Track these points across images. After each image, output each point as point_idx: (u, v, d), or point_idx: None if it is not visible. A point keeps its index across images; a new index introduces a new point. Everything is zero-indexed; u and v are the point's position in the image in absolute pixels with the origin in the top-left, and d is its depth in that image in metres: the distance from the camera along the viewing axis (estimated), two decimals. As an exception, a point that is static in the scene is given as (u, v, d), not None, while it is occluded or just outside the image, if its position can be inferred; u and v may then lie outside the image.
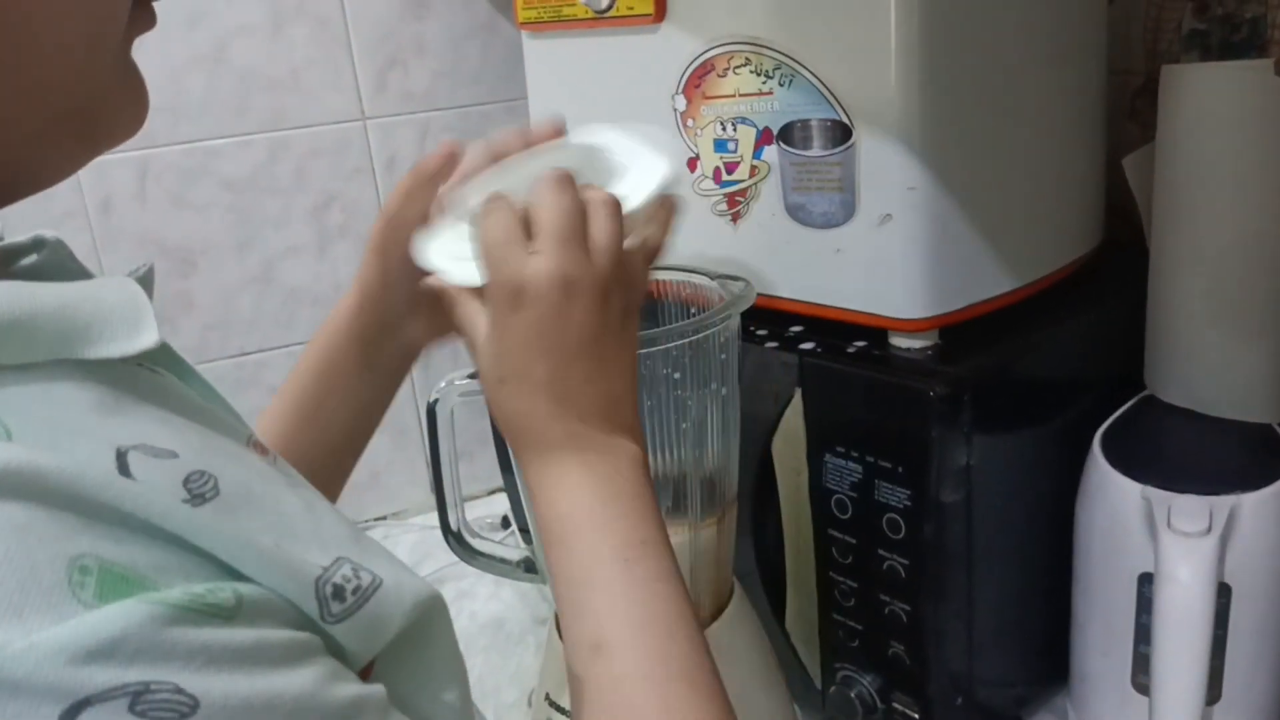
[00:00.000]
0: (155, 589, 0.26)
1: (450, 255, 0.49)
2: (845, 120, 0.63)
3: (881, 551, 0.65)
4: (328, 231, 1.07)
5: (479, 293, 0.47)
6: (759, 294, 0.61)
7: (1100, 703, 0.69)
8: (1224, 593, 0.60)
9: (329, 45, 1.02)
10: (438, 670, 0.37)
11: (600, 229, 0.45)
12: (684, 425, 0.55)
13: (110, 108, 0.36)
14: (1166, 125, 0.66)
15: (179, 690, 0.25)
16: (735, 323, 0.58)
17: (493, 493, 1.14)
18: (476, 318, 0.46)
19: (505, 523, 1.05)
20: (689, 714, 0.40)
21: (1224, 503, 0.59)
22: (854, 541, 0.66)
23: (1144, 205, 0.71)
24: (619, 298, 0.46)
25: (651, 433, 0.55)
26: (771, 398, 0.68)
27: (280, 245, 1.05)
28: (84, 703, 0.23)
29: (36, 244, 0.39)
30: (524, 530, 0.97)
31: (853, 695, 0.70)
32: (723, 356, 0.57)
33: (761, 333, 0.71)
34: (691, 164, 0.72)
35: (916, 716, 0.68)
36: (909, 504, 0.63)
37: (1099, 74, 0.74)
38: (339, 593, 0.31)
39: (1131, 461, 0.64)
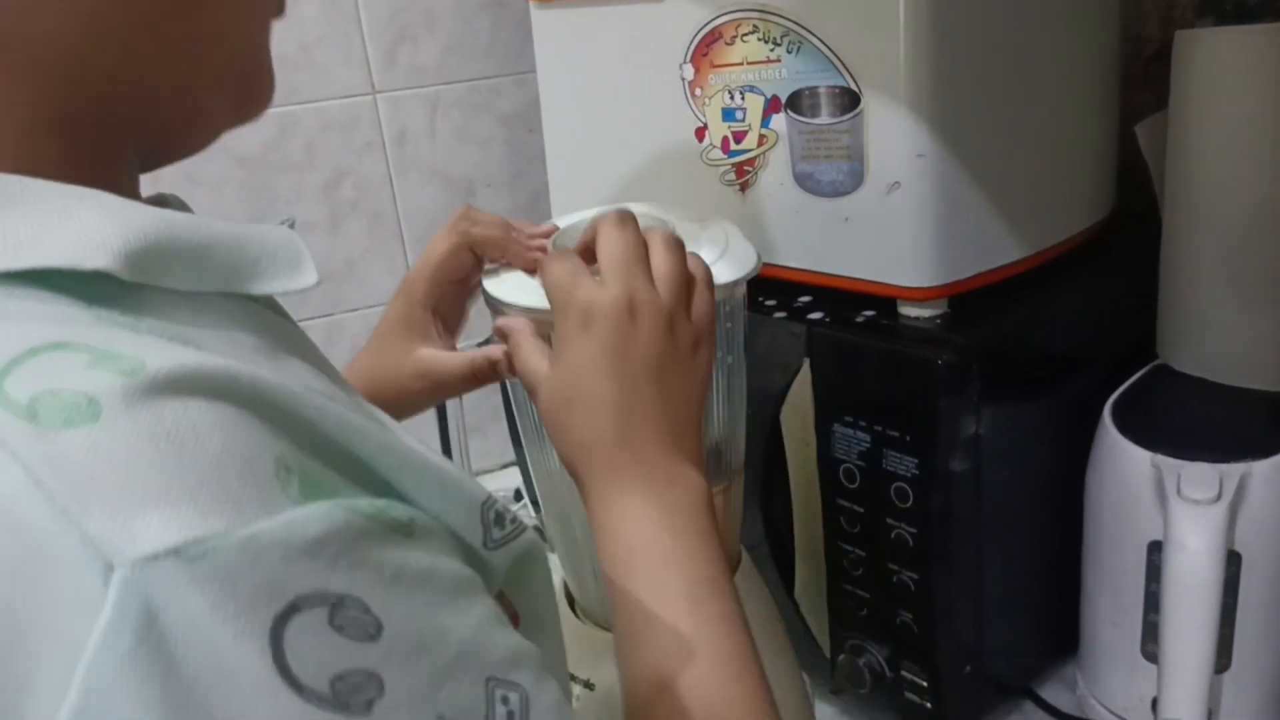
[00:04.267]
0: (345, 496, 0.26)
1: (520, 289, 0.55)
2: (853, 87, 0.62)
3: (890, 520, 0.65)
4: (339, 207, 1.07)
5: (541, 334, 0.50)
6: (767, 264, 0.60)
7: (1110, 671, 0.69)
8: (1234, 561, 0.59)
9: (339, 20, 1.02)
10: (541, 618, 0.37)
11: (662, 260, 0.47)
12: (690, 393, 0.55)
13: (260, 80, 0.38)
14: (1180, 91, 0.65)
15: (367, 610, 0.25)
16: (741, 291, 0.57)
17: (505, 467, 1.15)
18: (538, 356, 0.48)
19: (518, 495, 1.06)
20: None
21: (1234, 470, 0.59)
22: (862, 511, 0.66)
23: (1157, 172, 0.71)
24: (686, 329, 0.47)
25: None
26: (780, 368, 0.68)
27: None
28: (293, 607, 0.23)
29: (160, 202, 0.40)
30: (535, 502, 0.98)
31: (861, 664, 0.70)
32: (728, 325, 0.57)
33: (770, 303, 0.70)
34: (699, 133, 0.72)
35: (925, 685, 0.68)
36: (917, 473, 0.63)
37: (1111, 40, 0.74)
38: (500, 519, 0.32)
39: (1142, 430, 0.64)
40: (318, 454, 0.27)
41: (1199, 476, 0.59)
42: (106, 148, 0.33)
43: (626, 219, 0.47)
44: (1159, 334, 0.70)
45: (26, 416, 0.23)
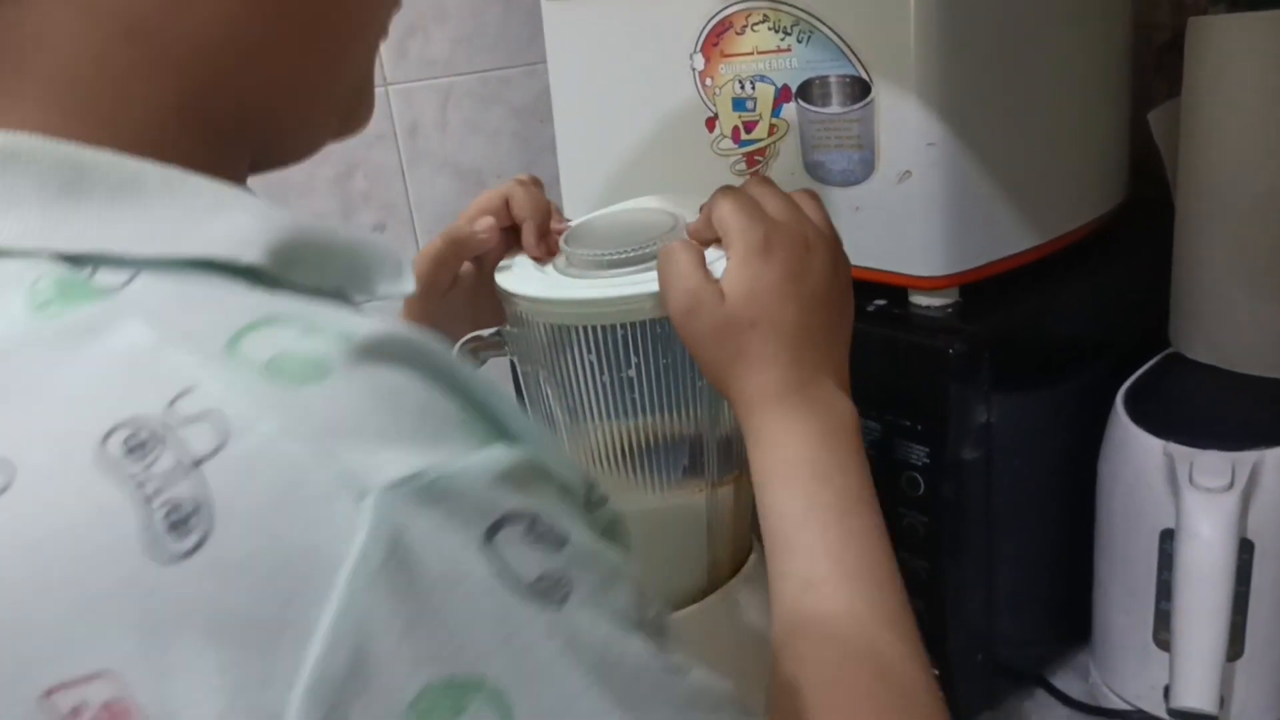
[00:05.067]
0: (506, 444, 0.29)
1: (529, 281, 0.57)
2: (864, 76, 0.62)
3: (901, 509, 0.65)
4: (351, 200, 1.07)
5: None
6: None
7: (1122, 660, 0.69)
8: (1246, 549, 0.59)
9: (350, 12, 1.02)
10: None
11: (817, 213, 0.51)
12: (700, 383, 0.55)
13: (366, 99, 0.41)
14: (1193, 78, 0.65)
15: (553, 525, 0.28)
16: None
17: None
18: (699, 275, 0.48)
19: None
20: (894, 656, 0.42)
21: (1247, 458, 0.58)
22: (873, 500, 0.66)
23: (1169, 160, 0.71)
24: (846, 268, 0.51)
25: (667, 391, 0.55)
26: (791, 357, 0.68)
27: (305, 214, 1.06)
28: (501, 521, 0.27)
29: None
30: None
31: (873, 653, 0.70)
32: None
33: (781, 293, 0.70)
34: (710, 123, 0.72)
35: (937, 673, 0.68)
36: (928, 462, 0.63)
37: (1124, 28, 0.73)
38: (594, 485, 0.35)
39: (1154, 418, 0.64)
40: (475, 411, 0.30)
41: (1211, 464, 0.59)
42: (228, 147, 0.35)
43: (770, 181, 0.52)
44: (1171, 322, 0.70)
45: (269, 375, 0.26)
